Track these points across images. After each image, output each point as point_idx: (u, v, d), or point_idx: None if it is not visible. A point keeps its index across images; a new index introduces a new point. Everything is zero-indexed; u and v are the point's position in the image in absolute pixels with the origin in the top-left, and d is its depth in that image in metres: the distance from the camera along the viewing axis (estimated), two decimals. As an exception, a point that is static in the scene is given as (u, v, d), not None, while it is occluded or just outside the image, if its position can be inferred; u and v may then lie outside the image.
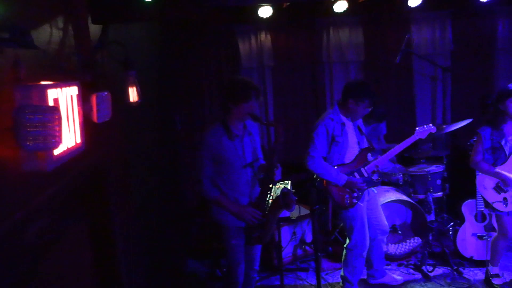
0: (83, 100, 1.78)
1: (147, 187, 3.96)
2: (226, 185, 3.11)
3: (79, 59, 2.15)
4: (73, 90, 1.64)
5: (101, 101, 1.87)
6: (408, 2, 4.94)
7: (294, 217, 4.19)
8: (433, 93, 5.51)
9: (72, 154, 1.59)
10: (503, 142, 3.42)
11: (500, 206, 3.48)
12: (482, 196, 3.59)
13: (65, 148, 1.52)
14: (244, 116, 3.05)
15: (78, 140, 1.66)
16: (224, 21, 5.26)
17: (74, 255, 2.16)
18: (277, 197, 3.07)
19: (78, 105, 1.68)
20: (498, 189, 3.47)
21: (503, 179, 3.40)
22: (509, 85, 3.40)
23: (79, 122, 1.68)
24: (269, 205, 3.12)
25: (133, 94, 2.25)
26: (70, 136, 1.58)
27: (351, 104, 3.46)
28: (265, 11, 4.90)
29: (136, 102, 2.27)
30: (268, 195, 3.12)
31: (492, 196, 3.50)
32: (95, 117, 1.85)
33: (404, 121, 5.47)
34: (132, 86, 2.25)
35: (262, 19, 5.00)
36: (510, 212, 3.47)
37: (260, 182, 3.15)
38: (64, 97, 1.55)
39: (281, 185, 4.08)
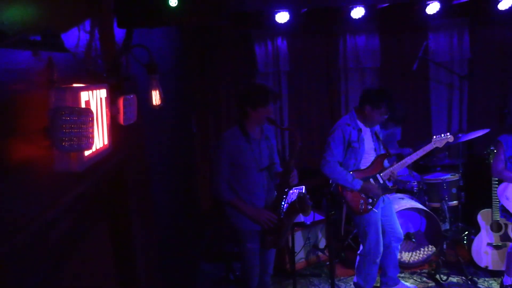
0: (111, 102, 1.82)
1: (165, 189, 4.00)
2: (242, 188, 3.13)
3: (105, 62, 2.20)
4: (103, 93, 1.68)
5: (127, 104, 1.91)
6: (426, 9, 4.95)
7: (308, 222, 4.20)
8: (449, 101, 5.49)
9: (101, 156, 1.63)
10: (524, 150, 3.40)
11: None
12: (503, 206, 3.55)
13: (95, 150, 1.56)
14: (262, 120, 3.08)
15: (106, 142, 1.70)
16: (242, 26, 5.32)
17: (95, 256, 2.20)
18: (293, 201, 3.08)
19: (106, 108, 1.72)
20: (519, 198, 3.45)
21: None
22: (528, 93, 3.38)
23: (107, 124, 1.72)
24: (285, 209, 3.13)
25: (156, 98, 2.29)
26: (99, 137, 1.62)
27: (367, 110, 3.47)
28: (282, 17, 4.94)
29: (159, 105, 2.30)
30: (284, 199, 3.14)
31: (515, 206, 3.48)
32: (121, 120, 1.89)
33: (420, 128, 5.46)
34: (155, 89, 2.28)
35: (279, 24, 5.04)
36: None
37: (276, 186, 3.17)
38: (95, 100, 1.59)
39: (295, 190, 4.10)
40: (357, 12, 4.94)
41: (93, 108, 1.54)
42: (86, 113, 1.33)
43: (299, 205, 3.05)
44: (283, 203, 3.14)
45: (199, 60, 5.39)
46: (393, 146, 4.89)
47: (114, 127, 1.86)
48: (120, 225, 2.47)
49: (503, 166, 3.48)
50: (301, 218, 4.06)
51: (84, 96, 1.48)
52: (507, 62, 5.49)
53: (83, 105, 1.44)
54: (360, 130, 3.52)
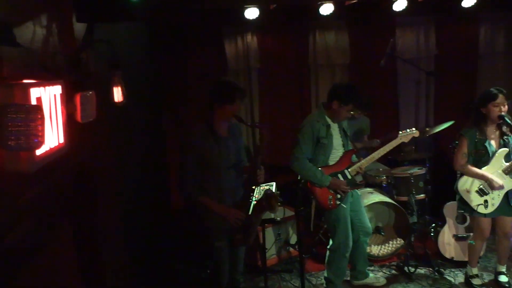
0: (67, 99, 1.76)
1: (135, 188, 3.94)
2: (210, 186, 3.11)
3: (63, 58, 2.14)
4: (57, 89, 1.63)
5: (85, 101, 1.86)
6: (393, 6, 5.01)
7: (278, 218, 4.20)
8: (416, 96, 5.59)
9: (56, 155, 1.58)
10: (486, 145, 3.48)
11: (481, 209, 3.54)
12: (464, 198, 3.64)
13: (48, 149, 1.50)
14: (229, 118, 3.06)
15: (62, 140, 1.65)
16: (211, 22, 5.26)
17: (59, 259, 2.14)
18: (261, 198, 3.08)
19: (61, 105, 1.66)
20: (480, 192, 3.53)
21: (490, 180, 3.45)
22: (492, 88, 3.46)
23: (63, 121, 1.66)
24: (253, 207, 3.12)
25: (118, 94, 2.24)
26: (53, 136, 1.56)
27: (335, 106, 3.49)
28: (251, 13, 4.90)
29: (121, 102, 2.25)
30: (252, 197, 3.13)
31: (474, 199, 3.55)
32: (79, 117, 1.83)
33: (388, 123, 5.54)
34: (117, 85, 2.24)
35: (248, 20, 5.02)
36: (488, 215, 3.53)
37: (243, 184, 3.16)
38: (47, 96, 1.54)
39: (265, 187, 4.09)
40: (326, 9, 4.95)
41: (45, 105, 1.48)
42: (35, 111, 1.28)
43: (266, 202, 3.05)
44: (251, 200, 3.13)
45: (169, 56, 5.31)
46: (361, 140, 4.95)
47: (72, 125, 1.81)
48: (86, 226, 2.41)
49: (465, 161, 3.55)
50: (271, 214, 4.06)
51: (35, 92, 1.43)
52: (471, 58, 5.63)
53: (33, 102, 1.39)
54: (328, 126, 3.54)
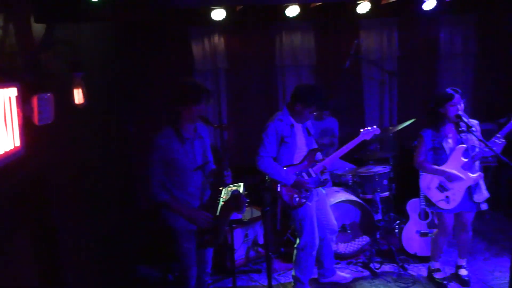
0: (24, 101, 1.72)
1: (98, 192, 3.87)
2: (176, 188, 3.08)
3: (20, 59, 2.08)
4: (12, 91, 1.59)
5: (43, 103, 1.81)
6: (357, 8, 5.12)
7: (246, 219, 4.23)
8: (380, 97, 5.74)
9: (10, 159, 1.54)
10: (444, 143, 3.60)
11: (442, 205, 3.65)
12: (425, 195, 3.75)
13: (3, 152, 1.47)
14: (195, 119, 3.05)
15: (17, 144, 1.61)
16: (178, 23, 5.24)
17: (16, 267, 2.08)
18: (228, 199, 3.08)
19: (17, 107, 1.62)
20: (441, 188, 3.65)
21: (449, 175, 3.56)
22: (448, 89, 3.58)
23: (18, 124, 1.62)
24: (220, 207, 3.13)
25: (78, 96, 2.19)
26: (8, 139, 1.52)
27: (298, 107, 3.54)
28: (218, 14, 4.91)
29: (82, 104, 2.21)
30: (219, 198, 3.13)
31: (436, 195, 3.67)
32: (36, 120, 1.79)
33: (354, 123, 5.64)
34: (77, 87, 2.19)
35: (215, 21, 5.01)
36: (450, 210, 3.65)
37: (210, 185, 3.15)
38: (2, 98, 1.50)
39: (233, 188, 4.10)
40: (292, 11, 5.02)
41: (-1, 107, 1.45)
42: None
43: (233, 203, 3.05)
44: (218, 201, 3.13)
45: (135, 57, 5.24)
46: (328, 139, 5.04)
47: (28, 128, 1.77)
48: (43, 232, 2.36)
49: (424, 158, 3.67)
50: (239, 215, 4.07)
51: (-12, 95, 1.39)
52: (432, 59, 5.82)
53: (-14, 105, 1.35)
54: (292, 126, 3.58)
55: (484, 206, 3.67)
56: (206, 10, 4.93)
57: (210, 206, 3.12)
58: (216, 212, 3.11)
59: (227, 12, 4.94)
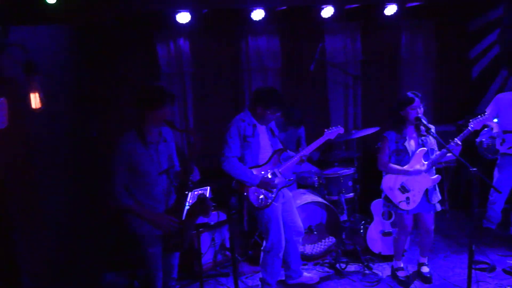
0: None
1: (60, 198, 3.77)
2: (140, 193, 3.04)
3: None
4: (-38, 97, 1.53)
5: (-4, 108, 1.75)
6: (321, 13, 5.21)
7: (212, 223, 4.21)
8: (345, 100, 5.85)
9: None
10: (406, 145, 3.71)
11: (403, 206, 3.76)
12: (387, 196, 3.84)
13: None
14: (159, 123, 3.03)
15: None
16: (142, 26, 5.18)
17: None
18: (194, 203, 3.07)
19: (-32, 113, 1.56)
20: (402, 189, 3.75)
21: (412, 173, 3.64)
22: (408, 93, 3.69)
23: (-31, 130, 1.57)
24: (186, 211, 3.11)
25: (35, 101, 2.13)
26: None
27: (259, 110, 3.57)
28: (183, 17, 4.90)
29: (39, 108, 2.15)
30: (185, 202, 3.11)
31: (397, 197, 3.76)
32: (-12, 125, 1.73)
33: (320, 126, 5.70)
34: (34, 92, 2.13)
35: (180, 24, 4.99)
36: (410, 211, 3.76)
37: (176, 189, 3.13)
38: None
39: (200, 191, 4.09)
40: (257, 14, 5.06)
41: None
42: None
43: (199, 206, 3.04)
44: (184, 205, 3.11)
45: (100, 61, 5.13)
46: (292, 145, 5.08)
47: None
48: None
49: (388, 159, 3.76)
50: (205, 218, 4.05)
51: None
52: (394, 63, 5.98)
53: None
54: (254, 126, 3.60)
55: (438, 207, 3.79)
56: (171, 13, 4.91)
57: (176, 210, 3.09)
58: (182, 216, 3.09)
59: (192, 15, 4.93)
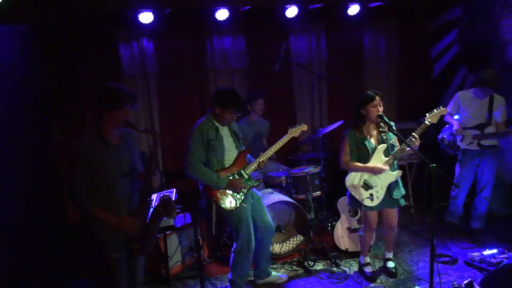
0: None
1: (17, 203, 3.64)
2: (103, 197, 2.96)
3: None
4: None
5: None
6: (286, 13, 5.25)
7: (178, 225, 4.16)
8: (311, 99, 5.90)
9: None
10: (366, 143, 3.76)
11: (367, 202, 3.81)
12: (351, 193, 3.89)
13: None
14: (119, 124, 2.96)
15: None
16: (104, 26, 5.07)
17: None
18: (157, 205, 3.02)
19: None
20: (365, 186, 3.80)
21: (373, 169, 3.70)
22: (369, 91, 3.74)
23: None
24: (150, 214, 3.05)
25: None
26: None
27: (218, 110, 3.56)
28: (146, 17, 4.83)
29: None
30: (148, 204, 3.06)
31: (360, 193, 3.82)
32: None
33: (286, 125, 5.73)
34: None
35: (143, 25, 4.91)
36: (375, 207, 3.81)
37: (139, 191, 3.07)
38: None
39: (166, 193, 4.03)
40: (221, 14, 5.05)
41: None
42: None
43: (163, 208, 2.99)
44: (147, 207, 3.05)
45: (61, 62, 4.98)
46: (261, 145, 5.09)
47: None
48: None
49: (348, 158, 3.81)
50: (170, 221, 4.00)
51: None
52: (358, 63, 6.08)
53: None
54: (217, 129, 3.59)
55: (402, 202, 3.86)
56: (133, 13, 4.82)
57: (139, 213, 3.03)
58: (146, 219, 3.04)
59: (155, 15, 4.86)
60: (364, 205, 3.80)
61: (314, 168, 4.77)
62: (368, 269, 4.07)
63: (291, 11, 5.24)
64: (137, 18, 4.83)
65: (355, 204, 3.89)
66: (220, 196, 3.60)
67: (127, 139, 3.11)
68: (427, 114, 3.66)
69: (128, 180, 3.05)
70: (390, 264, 4.10)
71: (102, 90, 2.99)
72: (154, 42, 5.30)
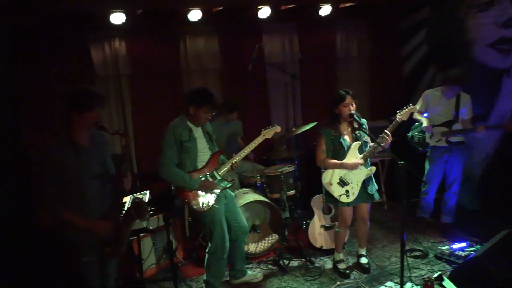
0: None
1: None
2: (73, 200, 2.92)
3: None
4: None
5: None
6: (259, 13, 5.28)
7: (151, 227, 4.13)
8: (285, 99, 5.95)
9: None
10: (341, 141, 3.83)
11: (343, 199, 3.88)
12: (327, 191, 3.95)
13: None
14: (89, 126, 2.92)
15: None
16: (75, 27, 4.99)
17: None
18: (129, 207, 3.00)
19: None
20: (341, 183, 3.86)
21: (349, 165, 3.77)
22: (341, 91, 3.81)
23: None
24: (122, 216, 3.03)
25: None
26: None
27: (192, 110, 3.56)
28: (117, 18, 4.77)
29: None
30: (121, 206, 3.03)
31: (337, 190, 3.88)
32: None
33: (261, 125, 5.76)
34: None
35: (115, 25, 4.85)
36: (350, 204, 3.89)
37: (110, 194, 3.04)
38: None
39: (139, 196, 4.01)
40: (194, 15, 5.03)
41: None
42: None
43: (135, 211, 2.97)
44: (119, 210, 3.03)
45: (31, 64, 4.88)
46: (235, 146, 5.09)
47: None
48: None
49: (325, 156, 3.87)
50: (143, 223, 3.97)
51: None
52: (331, 62, 6.16)
53: None
54: (190, 130, 3.59)
55: (377, 196, 3.95)
56: (105, 14, 4.76)
57: (111, 215, 3.00)
58: (117, 222, 3.01)
59: (127, 16, 4.81)
60: (341, 202, 3.87)
61: (288, 167, 4.81)
62: (341, 266, 4.14)
63: (264, 12, 5.27)
64: (108, 18, 4.77)
65: (332, 201, 3.95)
66: (192, 197, 3.60)
67: (98, 141, 3.08)
68: (398, 112, 3.76)
69: (99, 182, 3.02)
70: (363, 260, 4.18)
71: (72, 91, 2.95)
72: (126, 43, 5.25)
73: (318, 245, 4.55)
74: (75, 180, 2.91)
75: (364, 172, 3.83)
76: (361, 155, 3.79)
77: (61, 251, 3.02)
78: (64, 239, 3.01)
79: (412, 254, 4.34)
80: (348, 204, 3.89)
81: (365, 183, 3.88)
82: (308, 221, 4.67)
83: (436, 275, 3.64)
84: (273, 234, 4.69)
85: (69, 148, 2.89)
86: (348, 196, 3.86)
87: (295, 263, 4.39)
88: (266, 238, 4.66)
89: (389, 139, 3.67)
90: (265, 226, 4.70)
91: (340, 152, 3.85)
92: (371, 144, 3.82)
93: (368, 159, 3.85)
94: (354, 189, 3.85)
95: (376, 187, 3.95)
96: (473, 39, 5.31)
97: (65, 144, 2.90)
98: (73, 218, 2.91)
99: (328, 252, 4.47)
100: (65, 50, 5.03)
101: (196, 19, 5.09)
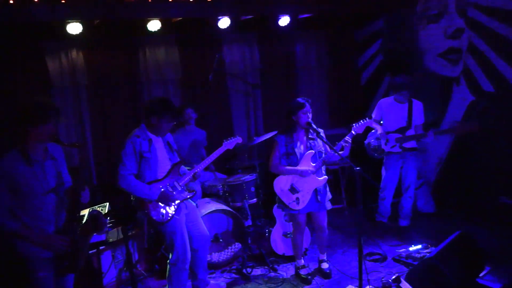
0: None
1: None
2: (27, 214, 2.84)
3: None
4: None
5: None
6: (218, 24, 5.32)
7: (110, 240, 4.06)
8: (246, 108, 6.02)
9: None
10: (295, 148, 3.91)
11: (293, 206, 3.95)
12: (279, 197, 4.02)
13: None
14: (44, 139, 2.86)
15: None
16: (30, 36, 4.87)
17: None
18: (86, 220, 2.95)
19: None
20: (292, 190, 3.94)
21: (301, 172, 3.85)
22: (299, 98, 3.90)
23: None
24: (79, 230, 2.97)
25: None
26: None
27: (154, 121, 3.55)
28: (74, 28, 4.70)
29: None
30: (77, 220, 2.97)
31: (288, 197, 3.95)
32: None
33: (223, 134, 5.80)
34: None
35: (72, 36, 4.77)
36: (301, 210, 3.96)
37: (66, 207, 2.98)
38: None
39: (98, 208, 3.94)
40: (153, 25, 5.02)
41: None
42: None
43: (92, 224, 2.93)
44: (76, 223, 2.97)
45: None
46: (197, 157, 5.09)
47: None
48: None
49: (278, 162, 3.95)
50: (103, 236, 3.91)
51: None
52: (291, 72, 6.29)
53: None
54: (150, 140, 3.57)
55: (329, 206, 4.04)
56: (61, 24, 4.68)
57: (67, 229, 2.94)
58: (74, 235, 2.95)
59: (84, 26, 4.74)
60: (291, 209, 3.94)
61: (249, 175, 4.85)
62: (303, 272, 4.20)
63: (224, 22, 5.32)
64: (65, 29, 4.69)
65: (283, 207, 4.02)
66: (152, 208, 3.57)
67: (53, 154, 3.02)
68: (354, 125, 3.88)
69: (55, 196, 2.95)
70: (325, 266, 4.26)
71: (26, 104, 2.88)
72: (84, 53, 5.17)
73: (280, 252, 4.59)
74: (28, 194, 2.84)
75: (317, 180, 3.91)
76: (314, 164, 3.87)
77: (15, 267, 2.92)
78: (18, 254, 2.92)
79: (371, 258, 4.46)
80: (298, 211, 3.96)
81: (317, 192, 3.96)
82: (270, 229, 4.72)
83: (394, 277, 3.76)
84: (236, 243, 4.70)
85: (21, 161, 2.82)
86: (298, 203, 3.94)
87: (258, 271, 4.42)
88: (229, 247, 4.66)
89: (349, 146, 3.79)
90: (228, 235, 4.71)
91: (293, 159, 3.92)
92: (326, 153, 3.90)
93: (323, 168, 3.94)
94: (304, 197, 3.93)
95: (330, 196, 4.04)
96: (424, 49, 5.57)
97: (18, 157, 2.83)
98: (27, 233, 2.83)
99: (291, 259, 4.51)
100: (21, 60, 4.90)
101: (156, 29, 5.08)
